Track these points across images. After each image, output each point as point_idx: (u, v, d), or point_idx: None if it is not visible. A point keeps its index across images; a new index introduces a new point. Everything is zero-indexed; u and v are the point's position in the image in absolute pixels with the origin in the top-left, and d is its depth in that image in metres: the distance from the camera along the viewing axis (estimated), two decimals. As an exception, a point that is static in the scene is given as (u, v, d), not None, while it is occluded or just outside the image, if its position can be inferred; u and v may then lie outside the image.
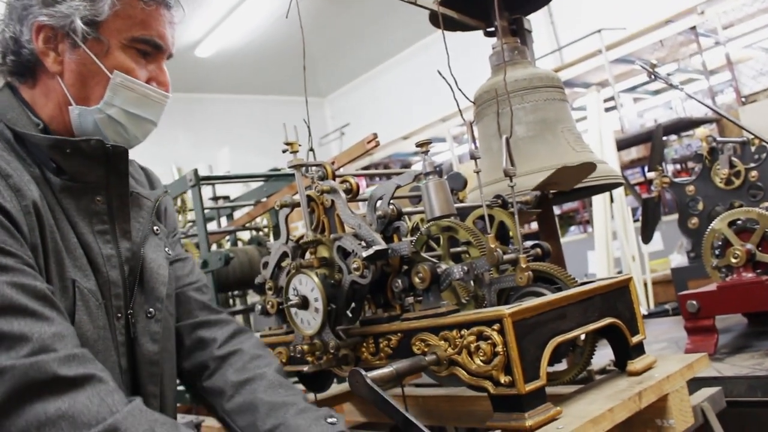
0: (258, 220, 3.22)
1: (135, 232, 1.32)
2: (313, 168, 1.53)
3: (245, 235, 3.53)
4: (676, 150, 8.23)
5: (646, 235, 3.04)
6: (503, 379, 1.15)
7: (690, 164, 8.16)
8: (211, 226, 3.53)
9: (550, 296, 1.29)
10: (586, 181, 1.99)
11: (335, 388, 1.93)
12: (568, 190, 2.00)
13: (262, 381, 1.35)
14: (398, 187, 1.40)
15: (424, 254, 1.38)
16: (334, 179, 1.50)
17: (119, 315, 1.25)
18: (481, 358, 1.17)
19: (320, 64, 11.92)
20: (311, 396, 1.83)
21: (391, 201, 1.41)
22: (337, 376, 1.79)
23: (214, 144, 11.22)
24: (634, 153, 8.42)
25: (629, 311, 1.46)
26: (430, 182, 1.36)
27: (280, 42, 10.23)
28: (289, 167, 1.49)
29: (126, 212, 1.30)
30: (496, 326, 1.15)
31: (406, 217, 1.50)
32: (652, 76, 2.74)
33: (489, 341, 1.16)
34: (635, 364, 1.42)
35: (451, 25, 2.33)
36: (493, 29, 2.34)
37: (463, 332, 1.21)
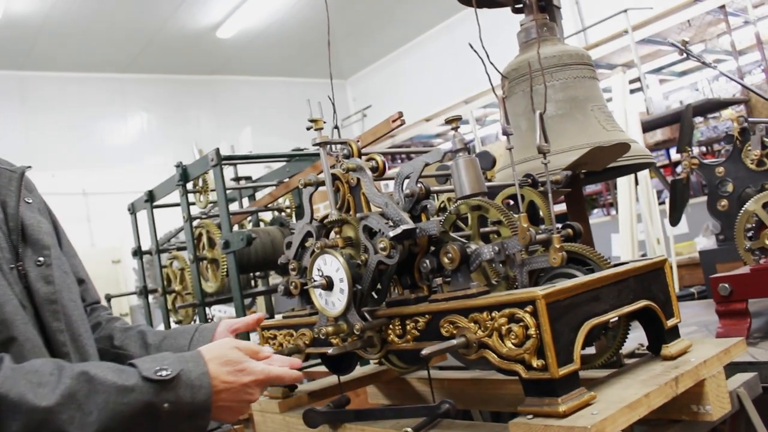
0: (280, 200, 3.21)
1: (9, 200, 1.49)
2: (338, 146, 1.49)
3: (267, 216, 3.52)
4: (702, 132, 8.10)
5: (674, 217, 2.98)
6: (536, 362, 1.11)
7: (716, 146, 8.03)
8: (233, 207, 3.52)
9: (585, 277, 1.25)
10: (618, 161, 1.94)
11: (359, 371, 1.91)
12: (600, 170, 1.95)
13: (146, 327, 1.71)
14: (426, 164, 1.36)
15: (452, 234, 1.35)
16: (359, 157, 1.46)
17: (11, 266, 1.41)
18: (513, 341, 1.14)
19: (342, 46, 11.85)
20: (335, 378, 1.81)
21: (419, 179, 1.37)
22: (361, 359, 1.76)
23: (236, 125, 11.22)
24: (659, 135, 8.28)
25: (664, 294, 1.41)
26: (460, 159, 1.31)
27: (302, 23, 10.18)
28: (314, 145, 1.46)
29: None
30: (528, 308, 1.11)
31: (434, 195, 1.46)
32: (684, 54, 2.67)
33: (521, 324, 1.12)
34: (670, 348, 1.38)
35: (479, 1, 2.28)
36: (521, 5, 2.28)
37: (493, 314, 1.17)
